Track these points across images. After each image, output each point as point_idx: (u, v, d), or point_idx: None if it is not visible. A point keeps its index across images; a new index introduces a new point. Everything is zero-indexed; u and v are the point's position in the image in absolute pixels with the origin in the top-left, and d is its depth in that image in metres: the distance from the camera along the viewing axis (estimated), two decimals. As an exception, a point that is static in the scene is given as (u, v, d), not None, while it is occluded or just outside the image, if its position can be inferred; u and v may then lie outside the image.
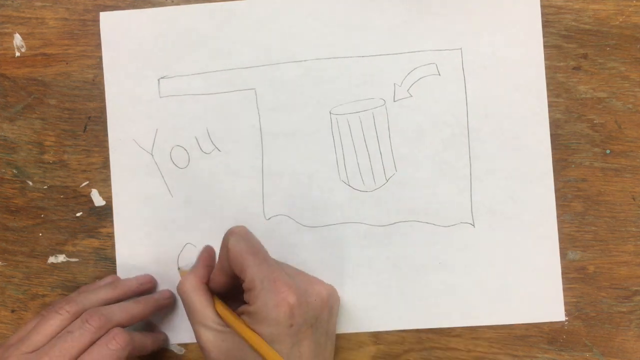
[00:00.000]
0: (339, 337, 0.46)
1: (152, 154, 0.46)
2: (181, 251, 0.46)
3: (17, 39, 0.47)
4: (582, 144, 0.45)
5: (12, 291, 0.48)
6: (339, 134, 0.45)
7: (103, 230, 0.47)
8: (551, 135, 0.45)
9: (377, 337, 0.45)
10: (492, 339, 0.45)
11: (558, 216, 0.45)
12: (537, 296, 0.44)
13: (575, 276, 0.45)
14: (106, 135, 0.47)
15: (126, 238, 0.47)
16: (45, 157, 0.48)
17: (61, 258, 0.47)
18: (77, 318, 0.40)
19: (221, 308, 0.40)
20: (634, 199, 0.44)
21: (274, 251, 0.44)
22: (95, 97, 0.47)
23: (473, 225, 0.45)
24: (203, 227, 0.46)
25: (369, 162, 0.45)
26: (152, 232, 0.46)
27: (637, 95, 0.44)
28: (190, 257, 0.46)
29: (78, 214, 0.47)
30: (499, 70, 0.45)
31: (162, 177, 0.46)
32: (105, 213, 0.47)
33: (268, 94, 0.46)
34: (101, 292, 0.42)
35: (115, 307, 0.41)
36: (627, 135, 0.44)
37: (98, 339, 0.39)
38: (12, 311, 0.48)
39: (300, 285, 0.38)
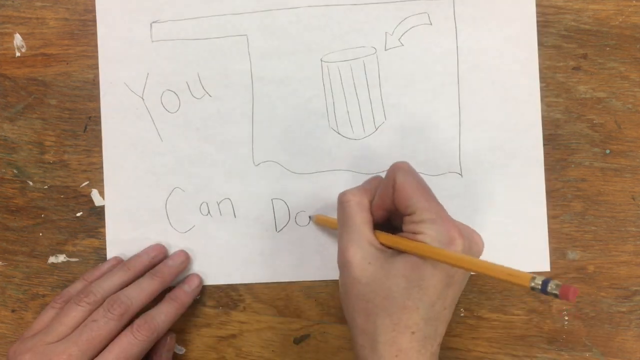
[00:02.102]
0: (339, 337, 0.46)
1: (142, 98, 0.47)
2: (169, 195, 0.46)
3: (18, 39, 0.47)
4: (582, 144, 0.45)
5: (13, 291, 0.48)
6: (329, 82, 0.46)
7: (103, 230, 0.47)
8: (551, 135, 0.45)
9: (377, 337, 0.45)
10: (492, 338, 0.45)
11: (558, 216, 0.45)
12: (523, 246, 0.44)
13: (575, 276, 0.45)
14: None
15: (115, 181, 0.47)
16: (46, 157, 0.48)
17: (61, 258, 0.48)
18: (97, 307, 0.40)
19: (382, 233, 0.38)
20: (633, 199, 0.44)
21: (262, 197, 0.46)
22: (95, 97, 0.47)
23: (461, 175, 0.45)
24: (192, 172, 0.46)
25: (359, 110, 0.46)
26: (141, 176, 0.47)
27: (637, 95, 0.44)
28: (181, 200, 0.46)
29: (78, 214, 0.47)
30: (490, 21, 0.45)
31: (152, 121, 0.47)
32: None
33: (259, 41, 0.46)
34: (115, 278, 0.43)
35: (134, 291, 0.41)
36: (626, 135, 0.44)
37: (122, 325, 0.40)
38: (13, 311, 0.48)
39: (463, 230, 0.37)
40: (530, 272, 0.30)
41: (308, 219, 0.46)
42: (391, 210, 0.39)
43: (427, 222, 0.36)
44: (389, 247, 0.38)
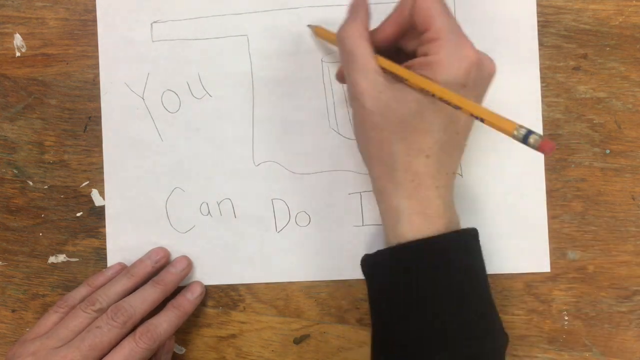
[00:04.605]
0: (339, 337, 0.46)
1: (143, 98, 0.47)
2: (169, 195, 0.46)
3: (18, 39, 0.47)
4: (582, 144, 0.45)
5: (13, 291, 0.48)
6: (329, 82, 0.46)
7: (103, 230, 0.47)
8: (551, 135, 0.45)
9: (377, 337, 0.45)
10: (492, 338, 0.45)
11: (558, 216, 0.45)
12: (523, 246, 0.44)
13: (575, 276, 0.45)
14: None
15: (115, 181, 0.47)
16: (46, 157, 0.48)
17: (61, 258, 0.48)
18: (101, 314, 0.41)
19: (384, 60, 0.37)
20: (633, 198, 0.44)
21: (262, 197, 0.46)
22: (95, 97, 0.47)
23: (461, 175, 0.45)
24: (192, 172, 0.46)
25: None
26: (141, 176, 0.47)
27: (637, 95, 0.44)
28: (181, 200, 0.46)
29: (78, 214, 0.47)
30: (490, 21, 0.44)
31: (153, 121, 0.47)
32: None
33: (260, 41, 0.46)
34: (119, 285, 0.43)
35: (137, 299, 0.42)
36: (626, 135, 0.44)
37: (125, 332, 0.40)
38: (13, 311, 0.48)
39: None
40: (519, 124, 0.31)
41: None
42: (404, 29, 0.38)
43: (442, 39, 0.35)
44: (393, 75, 0.37)
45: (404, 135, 0.36)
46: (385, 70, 0.37)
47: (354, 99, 0.37)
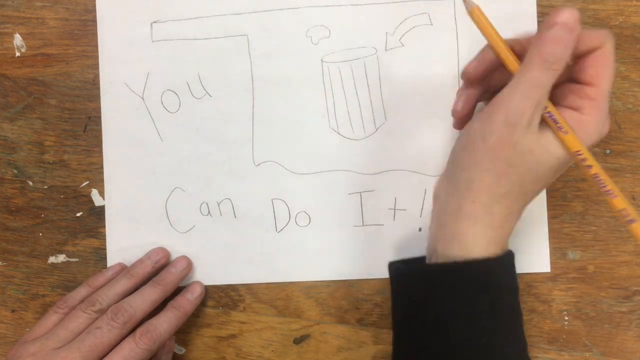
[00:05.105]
0: (339, 337, 0.46)
1: (143, 98, 0.47)
2: (169, 195, 0.46)
3: (17, 39, 0.47)
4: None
5: (13, 291, 0.48)
6: (330, 82, 0.46)
7: (103, 230, 0.47)
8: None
9: (377, 337, 0.45)
10: (492, 338, 0.45)
11: (558, 216, 0.45)
12: (523, 246, 0.44)
13: (575, 276, 0.45)
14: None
15: (115, 181, 0.47)
16: (46, 157, 0.48)
17: (61, 258, 0.47)
18: (101, 315, 0.41)
19: (551, 104, 0.35)
20: (634, 198, 0.44)
21: (262, 197, 0.46)
22: (95, 97, 0.47)
23: None
24: (192, 172, 0.46)
25: (359, 110, 0.46)
26: (141, 176, 0.47)
27: (637, 95, 0.44)
28: (181, 200, 0.46)
29: (78, 214, 0.47)
30: (487, 13, 0.44)
31: (153, 121, 0.47)
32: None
33: (260, 41, 0.46)
34: (119, 286, 0.43)
35: (137, 300, 0.42)
36: (627, 135, 0.44)
37: (125, 333, 0.40)
38: (13, 311, 0.48)
39: None
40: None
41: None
42: (557, 78, 0.34)
43: (602, 102, 0.34)
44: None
45: (528, 189, 0.36)
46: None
47: (506, 123, 0.34)
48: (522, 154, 0.34)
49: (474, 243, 0.35)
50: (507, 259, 0.37)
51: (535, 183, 0.36)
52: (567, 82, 0.36)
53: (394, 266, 0.39)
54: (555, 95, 0.36)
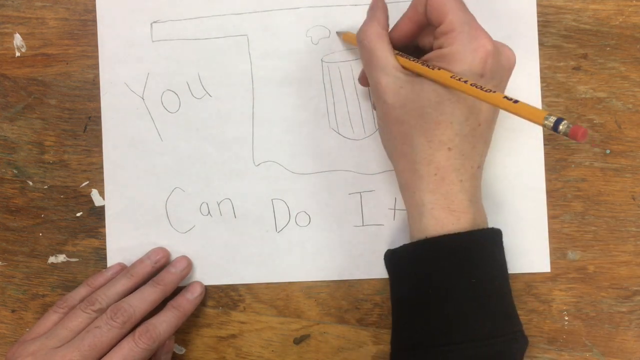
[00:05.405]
0: (339, 337, 0.46)
1: (143, 98, 0.47)
2: (169, 195, 0.46)
3: (17, 39, 0.47)
4: (582, 144, 0.45)
5: (13, 291, 0.48)
6: (330, 82, 0.46)
7: (103, 230, 0.47)
8: (551, 135, 0.45)
9: (377, 337, 0.45)
10: (492, 338, 0.45)
11: (558, 216, 0.45)
12: (523, 246, 0.44)
13: (575, 276, 0.45)
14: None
15: (115, 181, 0.47)
16: (46, 157, 0.48)
17: (61, 258, 0.48)
18: (100, 314, 0.41)
19: (401, 57, 0.39)
20: (634, 198, 0.44)
21: (262, 197, 0.46)
22: (95, 97, 0.47)
23: None
24: (192, 172, 0.46)
25: (359, 110, 0.46)
26: (141, 176, 0.47)
27: (637, 95, 0.44)
28: (181, 200, 0.46)
29: (78, 214, 0.47)
30: (490, 21, 0.44)
31: (153, 121, 0.47)
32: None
33: (260, 41, 0.46)
34: (119, 285, 0.43)
35: (137, 300, 0.42)
36: (627, 135, 0.44)
37: (124, 332, 0.40)
38: (13, 311, 0.48)
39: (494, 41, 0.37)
40: (546, 111, 0.31)
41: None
42: (421, 25, 0.39)
43: (455, 31, 0.36)
44: (411, 71, 0.38)
45: (425, 128, 0.36)
46: (404, 67, 0.38)
47: (377, 96, 0.38)
48: (404, 105, 0.37)
49: (430, 216, 0.38)
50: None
51: (446, 128, 0.36)
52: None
53: (387, 252, 0.41)
54: (428, 49, 0.39)
